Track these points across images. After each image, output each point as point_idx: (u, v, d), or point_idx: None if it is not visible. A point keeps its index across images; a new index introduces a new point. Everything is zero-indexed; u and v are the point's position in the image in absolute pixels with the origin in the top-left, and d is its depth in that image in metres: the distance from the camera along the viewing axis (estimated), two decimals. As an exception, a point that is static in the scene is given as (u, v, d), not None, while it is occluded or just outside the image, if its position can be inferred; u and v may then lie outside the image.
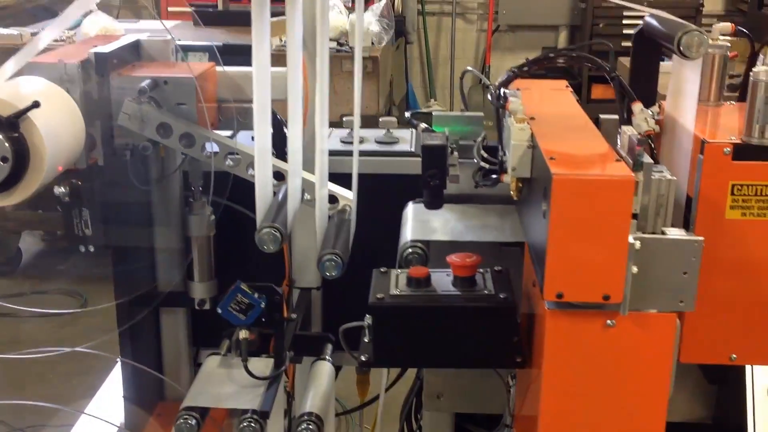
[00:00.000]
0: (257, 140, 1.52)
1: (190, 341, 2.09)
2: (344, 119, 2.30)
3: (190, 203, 1.94)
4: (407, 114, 1.71)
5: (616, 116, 1.49)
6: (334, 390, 1.82)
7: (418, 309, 1.35)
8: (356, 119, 1.68)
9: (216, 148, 1.75)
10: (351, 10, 4.34)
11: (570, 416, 1.29)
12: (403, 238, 1.57)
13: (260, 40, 1.46)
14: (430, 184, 1.53)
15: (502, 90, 1.48)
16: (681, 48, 1.39)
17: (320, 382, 1.72)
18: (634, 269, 1.21)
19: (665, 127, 1.64)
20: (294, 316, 1.79)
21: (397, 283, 1.40)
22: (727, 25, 1.67)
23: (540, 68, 1.45)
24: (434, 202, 1.56)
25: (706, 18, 6.20)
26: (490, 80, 5.55)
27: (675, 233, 1.24)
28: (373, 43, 4.26)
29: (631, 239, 1.20)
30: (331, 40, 4.53)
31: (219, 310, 1.61)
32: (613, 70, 1.46)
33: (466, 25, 7.29)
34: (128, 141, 1.73)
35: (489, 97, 1.45)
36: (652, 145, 1.34)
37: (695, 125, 1.48)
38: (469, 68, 1.54)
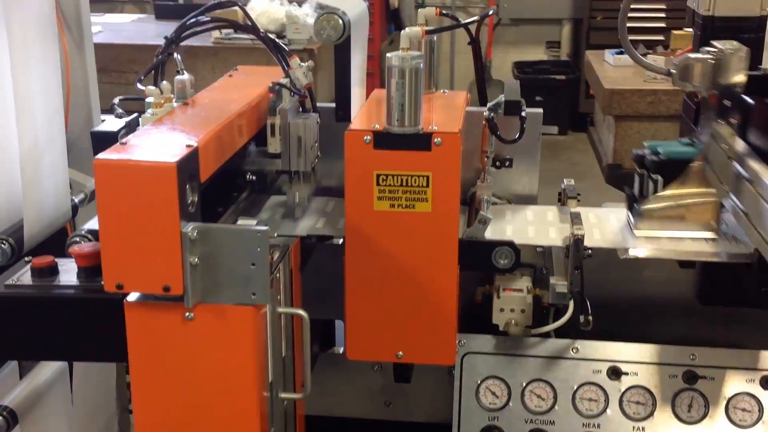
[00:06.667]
0: None
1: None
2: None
3: None
4: (115, 100, 1.64)
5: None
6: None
7: (22, 300, 1.30)
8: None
9: None
10: (290, 2, 4.31)
11: (161, 410, 1.24)
12: None
13: None
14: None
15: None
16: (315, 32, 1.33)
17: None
18: (194, 260, 1.15)
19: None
20: None
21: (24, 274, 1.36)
22: (432, 10, 1.60)
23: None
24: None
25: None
26: (492, 76, 5.43)
27: (241, 222, 1.17)
28: (312, 37, 4.20)
29: (187, 229, 1.14)
30: (270, 32, 4.54)
31: None
32: (256, 27, 1.47)
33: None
34: None
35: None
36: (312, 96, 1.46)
37: (360, 113, 1.42)
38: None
